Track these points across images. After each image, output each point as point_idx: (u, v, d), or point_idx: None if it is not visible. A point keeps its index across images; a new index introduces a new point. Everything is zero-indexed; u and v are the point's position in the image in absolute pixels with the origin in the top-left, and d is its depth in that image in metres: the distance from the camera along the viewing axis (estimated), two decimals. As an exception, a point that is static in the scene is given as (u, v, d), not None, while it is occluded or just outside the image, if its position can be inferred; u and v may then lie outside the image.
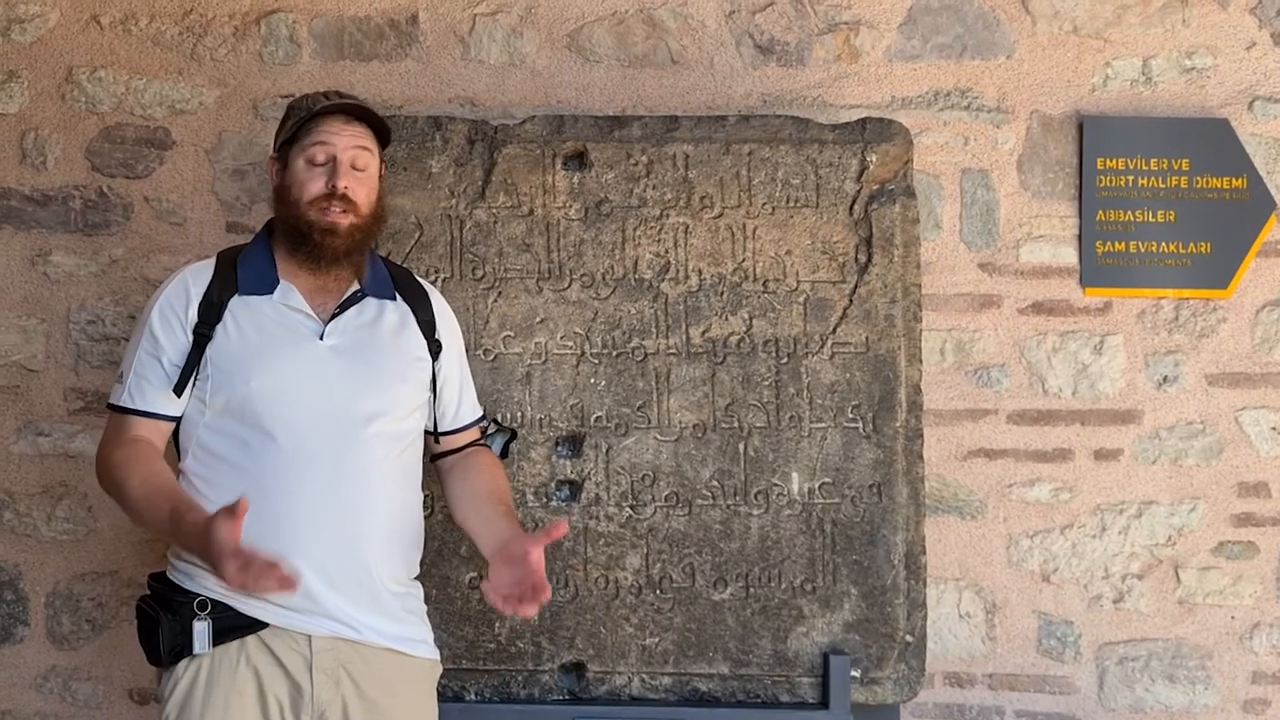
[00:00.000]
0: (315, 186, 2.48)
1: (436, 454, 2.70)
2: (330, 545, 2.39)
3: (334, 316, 2.51)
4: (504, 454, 2.97)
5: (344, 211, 2.48)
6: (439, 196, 3.08)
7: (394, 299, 2.62)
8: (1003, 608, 3.45)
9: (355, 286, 2.54)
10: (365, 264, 2.59)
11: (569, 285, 3.08)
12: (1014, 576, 3.45)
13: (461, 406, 2.71)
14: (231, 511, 2.18)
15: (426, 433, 2.65)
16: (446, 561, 2.99)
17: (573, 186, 3.07)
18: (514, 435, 2.99)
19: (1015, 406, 3.45)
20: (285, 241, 2.53)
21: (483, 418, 2.79)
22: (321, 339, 2.48)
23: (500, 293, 3.08)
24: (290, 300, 2.49)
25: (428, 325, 2.64)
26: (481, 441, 2.76)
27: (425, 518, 2.67)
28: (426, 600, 2.64)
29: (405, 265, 2.95)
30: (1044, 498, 3.45)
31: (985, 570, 3.46)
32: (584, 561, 3.05)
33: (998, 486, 3.46)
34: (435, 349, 2.64)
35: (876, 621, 3.02)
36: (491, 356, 3.08)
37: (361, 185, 2.51)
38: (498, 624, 3.01)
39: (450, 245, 3.08)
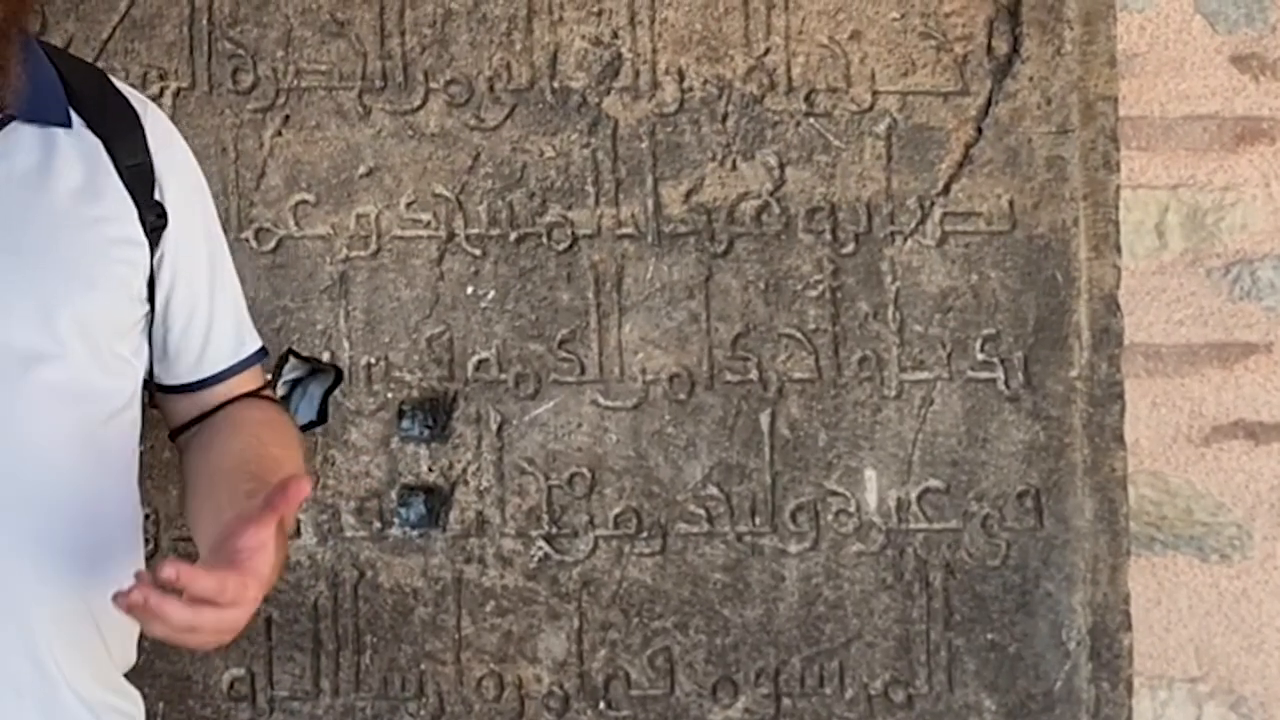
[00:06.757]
0: None
1: (177, 427, 2.02)
2: None
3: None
4: (321, 417, 2.38)
5: None
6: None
7: (68, 124, 1.93)
8: (1285, 732, 2.87)
9: None
10: (14, 57, 1.85)
11: (423, 104, 2.44)
12: (1308, 674, 2.90)
13: (212, 335, 1.99)
14: None
15: (158, 389, 1.94)
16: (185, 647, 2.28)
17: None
18: (339, 376, 2.37)
19: (1310, 337, 2.88)
20: None
21: (261, 353, 2.08)
22: None
23: (288, 119, 2.43)
24: None
25: (138, 174, 1.94)
26: (263, 393, 2.11)
27: (148, 556, 1.99)
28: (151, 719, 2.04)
29: (100, 65, 2.20)
30: (1366, 520, 2.81)
31: (1249, 662, 2.71)
32: (455, 645, 2.37)
33: (1275, 498, 2.70)
34: (155, 220, 1.94)
35: (1034, 761, 2.52)
36: (271, 243, 2.42)
37: None
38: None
39: (189, 25, 2.43)
